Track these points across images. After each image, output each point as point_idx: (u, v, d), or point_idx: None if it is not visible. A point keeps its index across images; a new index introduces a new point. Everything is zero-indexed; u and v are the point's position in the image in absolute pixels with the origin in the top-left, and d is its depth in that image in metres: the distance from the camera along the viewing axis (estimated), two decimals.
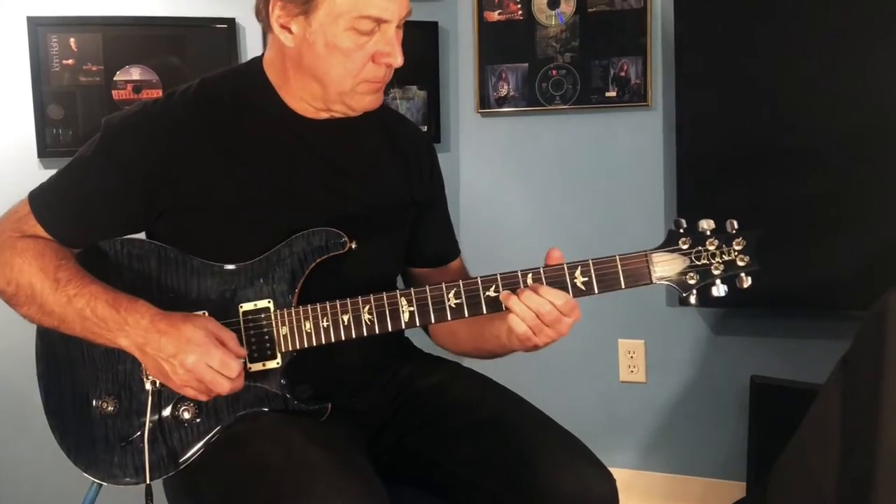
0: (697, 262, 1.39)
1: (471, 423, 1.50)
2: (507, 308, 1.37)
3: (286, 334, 1.42)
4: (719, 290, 1.39)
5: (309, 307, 1.42)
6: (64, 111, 2.45)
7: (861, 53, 2.33)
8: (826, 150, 2.37)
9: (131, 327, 1.35)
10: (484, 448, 1.46)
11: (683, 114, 2.57)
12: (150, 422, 1.43)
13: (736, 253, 1.39)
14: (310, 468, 1.28)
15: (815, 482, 1.69)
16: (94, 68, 2.47)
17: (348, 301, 1.41)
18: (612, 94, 2.75)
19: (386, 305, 1.41)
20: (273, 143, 1.48)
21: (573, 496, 1.37)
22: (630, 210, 2.79)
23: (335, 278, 1.46)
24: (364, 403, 1.55)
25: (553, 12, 2.78)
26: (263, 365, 1.42)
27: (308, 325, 1.42)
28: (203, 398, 1.38)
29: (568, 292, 1.37)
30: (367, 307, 1.41)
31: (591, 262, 1.38)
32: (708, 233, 1.39)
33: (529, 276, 1.38)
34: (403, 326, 1.42)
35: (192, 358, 1.32)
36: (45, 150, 2.44)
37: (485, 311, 1.39)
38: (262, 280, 1.44)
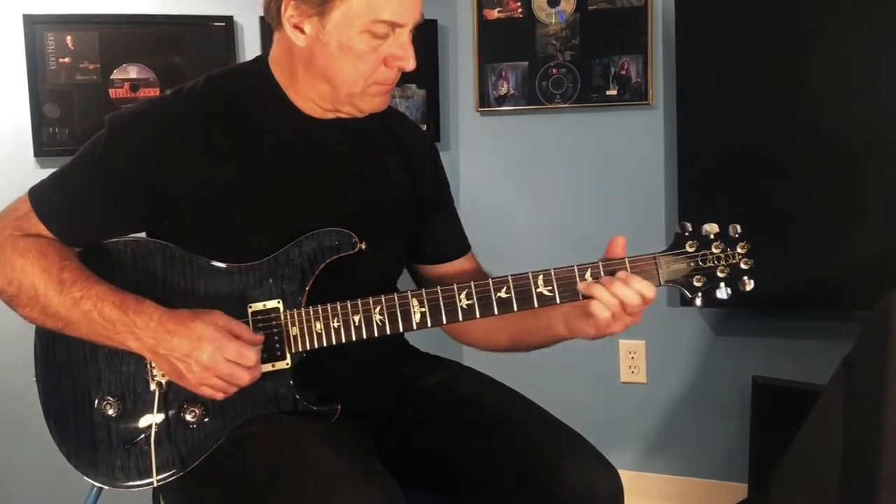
0: (703, 265, 1.41)
1: (476, 420, 1.49)
2: (588, 296, 1.38)
3: (296, 335, 1.41)
4: (723, 292, 1.42)
5: (319, 307, 1.41)
6: (60, 110, 2.43)
7: (862, 53, 2.33)
8: (828, 149, 2.37)
9: (140, 329, 1.33)
10: (490, 445, 1.45)
11: (684, 112, 2.56)
12: (156, 423, 1.40)
13: (740, 256, 1.41)
14: (328, 472, 1.27)
15: (818, 484, 1.68)
16: (90, 66, 2.45)
17: (359, 301, 1.40)
18: (613, 92, 2.74)
19: (397, 306, 1.40)
20: (279, 143, 1.47)
21: (580, 493, 1.37)
22: (630, 209, 2.78)
23: (339, 277, 1.44)
24: (368, 404, 1.54)
25: (553, 10, 2.77)
26: (273, 366, 1.41)
27: (318, 326, 1.41)
28: (219, 396, 1.36)
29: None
30: (378, 308, 1.40)
31: (600, 263, 1.40)
32: (712, 236, 1.41)
33: (540, 277, 1.39)
34: (415, 327, 1.42)
35: (207, 354, 1.31)
36: (42, 148, 2.42)
37: (496, 312, 1.40)
38: (270, 280, 1.42)
